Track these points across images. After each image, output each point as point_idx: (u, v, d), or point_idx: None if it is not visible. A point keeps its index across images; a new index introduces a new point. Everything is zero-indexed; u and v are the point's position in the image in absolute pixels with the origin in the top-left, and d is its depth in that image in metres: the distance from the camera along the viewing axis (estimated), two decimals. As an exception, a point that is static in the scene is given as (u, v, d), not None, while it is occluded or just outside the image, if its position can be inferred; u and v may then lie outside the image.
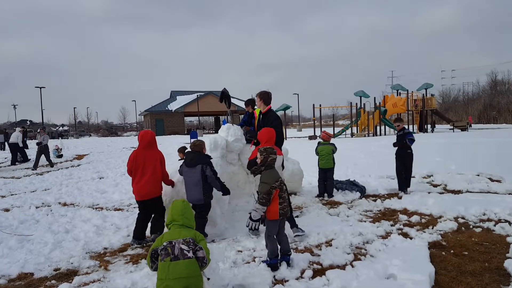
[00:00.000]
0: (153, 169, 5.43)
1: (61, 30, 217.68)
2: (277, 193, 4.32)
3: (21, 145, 17.26)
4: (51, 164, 15.94)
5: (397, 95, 33.89)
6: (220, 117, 62.03)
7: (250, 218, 4.59)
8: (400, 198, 7.52)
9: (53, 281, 4.32)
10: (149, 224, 5.60)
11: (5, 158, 20.25)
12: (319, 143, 8.41)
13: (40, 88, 51.17)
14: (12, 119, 74.28)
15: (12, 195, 9.94)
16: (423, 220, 6.01)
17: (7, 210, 8.05)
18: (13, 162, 17.32)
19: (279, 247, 4.41)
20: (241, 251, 4.94)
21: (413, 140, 7.92)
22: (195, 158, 5.41)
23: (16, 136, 17.23)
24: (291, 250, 4.53)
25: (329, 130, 30.95)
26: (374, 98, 30.67)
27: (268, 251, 4.38)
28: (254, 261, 4.58)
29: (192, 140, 6.16)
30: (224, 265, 4.38)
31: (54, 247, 5.47)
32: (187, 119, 69.91)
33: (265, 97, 6.18)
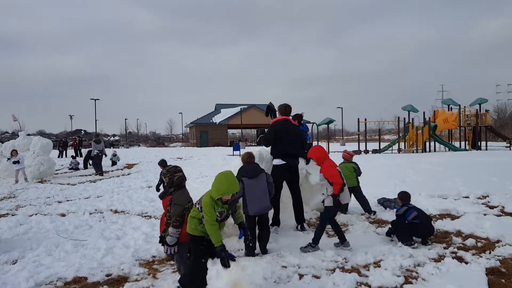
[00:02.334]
0: None
1: (114, 45, 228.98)
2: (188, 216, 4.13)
3: (93, 154, 18.83)
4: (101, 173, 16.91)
5: (448, 110, 32.59)
6: (264, 130, 62.37)
7: (167, 243, 4.22)
8: (453, 219, 7.18)
9: (105, 286, 4.49)
10: None
11: (62, 165, 21.38)
12: (341, 163, 8.03)
13: (95, 100, 53.88)
14: (68, 129, 78.51)
15: (68, 200, 10.49)
16: (479, 244, 5.68)
17: (63, 215, 8.49)
18: (85, 167, 19.46)
19: None
20: (285, 267, 4.90)
21: None
22: (256, 168, 5.52)
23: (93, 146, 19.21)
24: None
25: (375, 145, 30.23)
26: (424, 112, 29.70)
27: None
28: (300, 278, 4.53)
29: (242, 152, 6.26)
30: (267, 280, 4.37)
31: (106, 252, 5.69)
32: (230, 131, 70.83)
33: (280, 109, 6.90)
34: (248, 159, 5.65)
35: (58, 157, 29.26)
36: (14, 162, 14.59)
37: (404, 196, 6.15)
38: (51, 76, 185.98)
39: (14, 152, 14.84)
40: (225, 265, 3.65)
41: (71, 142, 32.64)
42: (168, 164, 7.45)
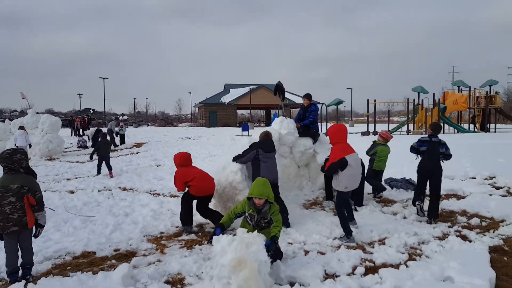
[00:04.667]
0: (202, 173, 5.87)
1: (123, 24, 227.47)
2: None
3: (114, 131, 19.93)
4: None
5: (458, 91, 32.11)
6: (272, 110, 62.13)
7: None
8: (459, 199, 7.19)
9: (113, 261, 4.60)
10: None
11: (70, 143, 21.59)
12: (375, 142, 7.77)
13: (104, 79, 53.84)
14: (77, 108, 78.87)
15: (76, 178, 10.65)
16: (483, 223, 5.71)
17: (72, 192, 8.65)
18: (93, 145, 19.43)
19: None
20: (291, 244, 4.97)
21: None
22: (272, 144, 6.13)
23: (110, 125, 20.29)
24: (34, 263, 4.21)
25: (384, 127, 30.05)
26: (434, 94, 29.24)
27: None
28: (305, 254, 4.60)
29: (262, 130, 6.54)
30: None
31: (115, 228, 5.81)
32: (239, 111, 70.67)
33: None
34: (266, 136, 6.22)
35: (71, 135, 29.60)
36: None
37: (434, 127, 6.30)
38: (60, 54, 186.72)
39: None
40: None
41: (78, 120, 32.59)
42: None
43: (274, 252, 4.04)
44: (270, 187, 4.38)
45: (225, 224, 4.53)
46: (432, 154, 6.02)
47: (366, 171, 7.31)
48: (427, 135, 6.22)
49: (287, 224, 5.60)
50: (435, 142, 6.04)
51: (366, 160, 7.74)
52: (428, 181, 6.11)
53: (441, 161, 6.03)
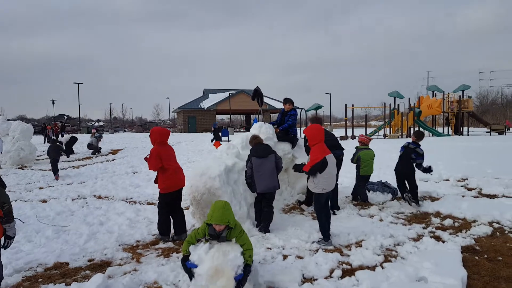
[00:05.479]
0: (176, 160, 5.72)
1: (99, 28, 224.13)
2: None
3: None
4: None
5: (433, 96, 32.93)
6: (251, 115, 62.23)
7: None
8: (433, 200, 7.35)
9: (87, 271, 4.48)
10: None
11: (43, 151, 21.05)
12: (357, 148, 7.86)
13: (78, 84, 52.86)
14: (51, 114, 77.11)
15: (49, 187, 10.37)
16: (456, 224, 5.85)
17: (44, 201, 8.40)
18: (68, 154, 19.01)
19: None
20: (270, 248, 4.96)
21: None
22: (267, 148, 5.86)
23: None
24: None
25: (362, 131, 30.48)
26: (409, 99, 29.89)
27: None
28: (284, 259, 4.60)
29: (251, 134, 6.46)
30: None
31: (89, 238, 5.67)
32: (219, 117, 70.49)
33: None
34: (255, 140, 6.01)
35: (44, 142, 28.84)
36: None
37: (417, 135, 7.24)
38: (33, 59, 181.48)
39: None
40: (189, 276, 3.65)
41: (49, 127, 31.62)
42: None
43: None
44: (231, 210, 3.83)
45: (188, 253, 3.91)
46: (405, 158, 7.04)
47: (355, 176, 7.75)
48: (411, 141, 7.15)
49: (266, 231, 5.62)
50: (411, 148, 6.97)
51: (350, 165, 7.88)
52: (403, 178, 7.11)
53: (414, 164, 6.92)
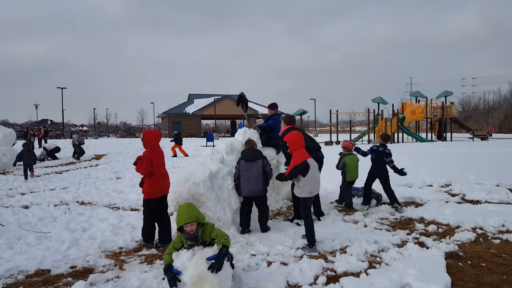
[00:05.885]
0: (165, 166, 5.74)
1: (83, 33, 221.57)
2: None
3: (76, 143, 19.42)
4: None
5: (416, 102, 33.43)
6: (236, 120, 62.26)
7: None
8: (417, 206, 7.43)
9: (69, 278, 4.39)
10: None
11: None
12: (341, 154, 7.95)
13: (62, 88, 52.23)
14: (34, 119, 75.81)
15: (31, 192, 10.17)
16: (440, 230, 5.91)
17: (26, 207, 8.24)
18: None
19: None
20: (254, 255, 4.94)
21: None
22: (256, 153, 6.02)
23: (75, 138, 19.93)
24: None
25: (346, 136, 30.70)
26: (393, 105, 30.31)
27: None
28: (268, 265, 4.58)
29: (246, 139, 6.54)
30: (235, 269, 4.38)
31: (71, 245, 5.56)
32: (204, 122, 70.32)
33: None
34: (247, 144, 6.22)
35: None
36: None
37: (384, 138, 7.85)
38: (14, 64, 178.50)
39: None
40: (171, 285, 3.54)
41: (31, 132, 30.81)
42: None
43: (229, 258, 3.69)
44: (196, 209, 3.90)
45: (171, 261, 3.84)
46: (379, 161, 7.49)
47: (340, 181, 7.93)
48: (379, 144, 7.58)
49: (266, 230, 5.92)
50: (381, 151, 7.45)
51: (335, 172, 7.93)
52: (374, 181, 7.58)
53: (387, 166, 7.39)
